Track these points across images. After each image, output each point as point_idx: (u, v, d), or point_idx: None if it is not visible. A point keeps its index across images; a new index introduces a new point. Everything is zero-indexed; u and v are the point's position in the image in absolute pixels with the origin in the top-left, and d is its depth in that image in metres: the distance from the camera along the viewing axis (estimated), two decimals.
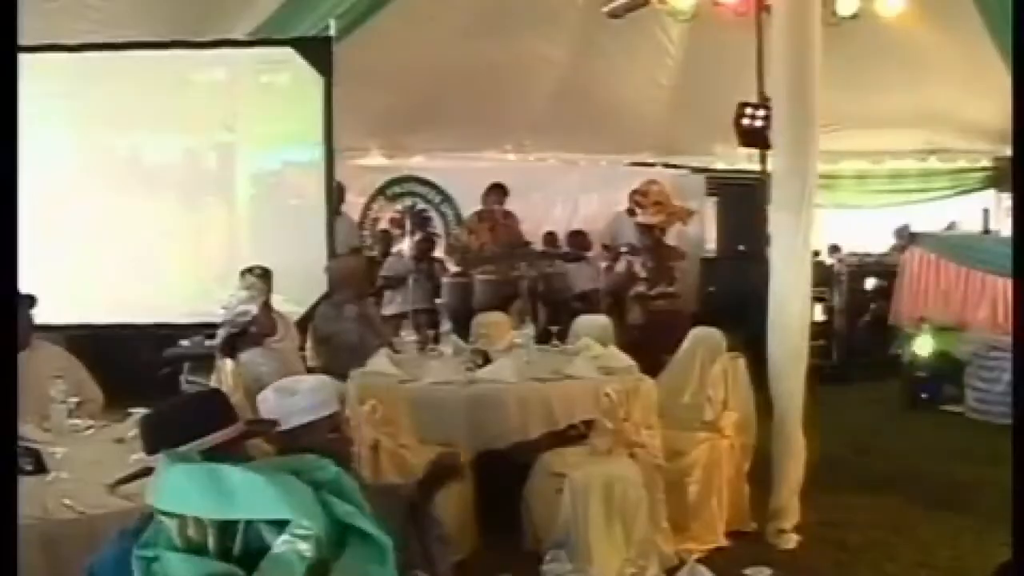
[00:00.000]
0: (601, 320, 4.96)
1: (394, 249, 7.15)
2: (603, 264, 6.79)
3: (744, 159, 8.07)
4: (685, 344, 4.08)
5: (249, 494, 1.23)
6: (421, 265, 6.49)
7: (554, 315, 5.86)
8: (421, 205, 8.45)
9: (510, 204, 6.73)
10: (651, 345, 4.52)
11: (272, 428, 1.95)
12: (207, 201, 5.95)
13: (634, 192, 6.31)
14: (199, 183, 5.92)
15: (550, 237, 7.93)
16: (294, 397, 2.04)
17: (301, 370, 3.82)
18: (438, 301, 6.36)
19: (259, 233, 5.77)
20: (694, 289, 7.77)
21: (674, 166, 8.60)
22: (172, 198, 5.80)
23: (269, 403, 2.07)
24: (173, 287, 5.65)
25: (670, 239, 6.87)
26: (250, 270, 4.36)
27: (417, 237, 7.23)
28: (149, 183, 5.74)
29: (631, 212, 6.72)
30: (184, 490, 1.25)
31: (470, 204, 7.13)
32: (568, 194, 8.50)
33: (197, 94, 5.75)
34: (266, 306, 3.73)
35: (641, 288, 6.06)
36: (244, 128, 5.83)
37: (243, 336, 3.63)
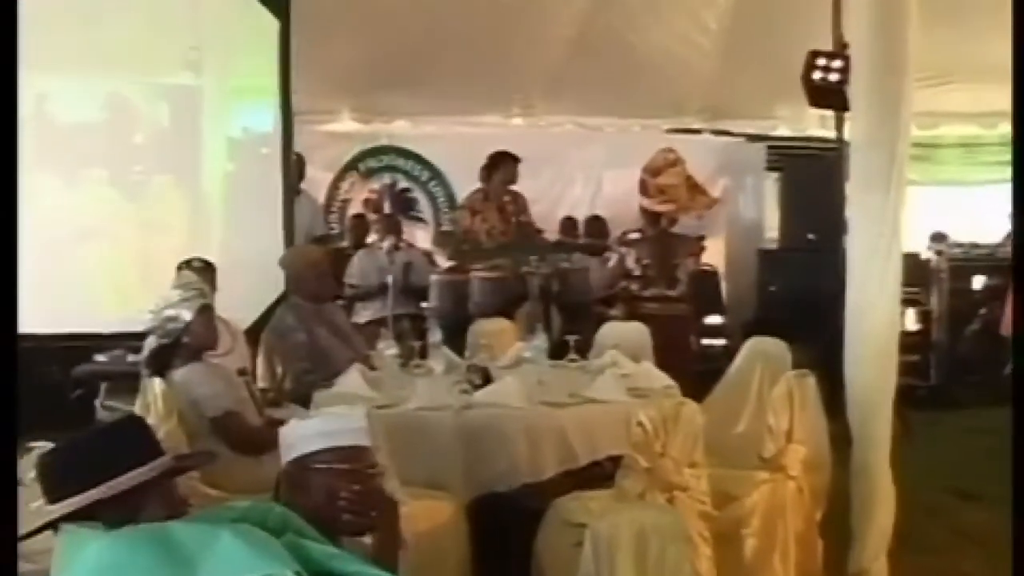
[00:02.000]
0: (633, 329, 4.98)
1: (369, 239, 7.17)
2: (603, 257, 6.81)
3: (815, 123, 8.10)
4: (739, 359, 4.08)
5: (213, 558, 1.22)
6: (403, 259, 6.48)
7: (572, 322, 5.85)
8: (403, 183, 8.50)
9: (518, 182, 6.74)
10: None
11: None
12: (156, 182, 5.91)
13: (644, 168, 6.32)
14: (143, 152, 5.87)
15: (567, 224, 7.95)
16: (315, 419, 2.08)
17: (246, 394, 3.81)
18: (425, 305, 6.38)
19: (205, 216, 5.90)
20: (749, 289, 7.79)
21: (726, 133, 8.62)
22: (99, 176, 5.78)
23: (288, 429, 2.10)
24: (92, 287, 5.65)
25: (699, 225, 6.88)
26: (188, 263, 4.38)
27: (398, 223, 7.25)
28: (64, 152, 5.68)
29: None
30: (126, 569, 1.21)
31: (466, 182, 7.17)
32: (590, 169, 8.56)
33: (137, 16, 5.49)
34: (207, 310, 3.74)
35: (632, 287, 6.06)
36: (215, 68, 5.72)
37: (177, 349, 3.63)
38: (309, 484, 1.98)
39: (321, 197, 7.98)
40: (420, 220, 8.51)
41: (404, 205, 8.42)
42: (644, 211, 6.28)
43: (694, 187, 6.50)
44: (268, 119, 5.85)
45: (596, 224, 7.86)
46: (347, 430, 2.06)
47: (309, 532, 1.26)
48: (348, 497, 1.97)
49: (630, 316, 5.56)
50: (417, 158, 8.45)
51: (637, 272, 6.13)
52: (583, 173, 8.55)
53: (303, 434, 2.05)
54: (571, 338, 4.53)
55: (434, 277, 6.38)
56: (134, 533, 1.26)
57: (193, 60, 5.59)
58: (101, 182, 5.70)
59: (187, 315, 3.59)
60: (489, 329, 5.07)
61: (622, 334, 4.93)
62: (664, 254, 6.12)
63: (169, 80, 5.76)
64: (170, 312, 3.59)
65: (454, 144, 8.22)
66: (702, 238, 7.20)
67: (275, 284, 5.19)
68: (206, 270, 4.43)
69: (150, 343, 3.78)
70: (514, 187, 6.57)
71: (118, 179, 5.79)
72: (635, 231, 6.65)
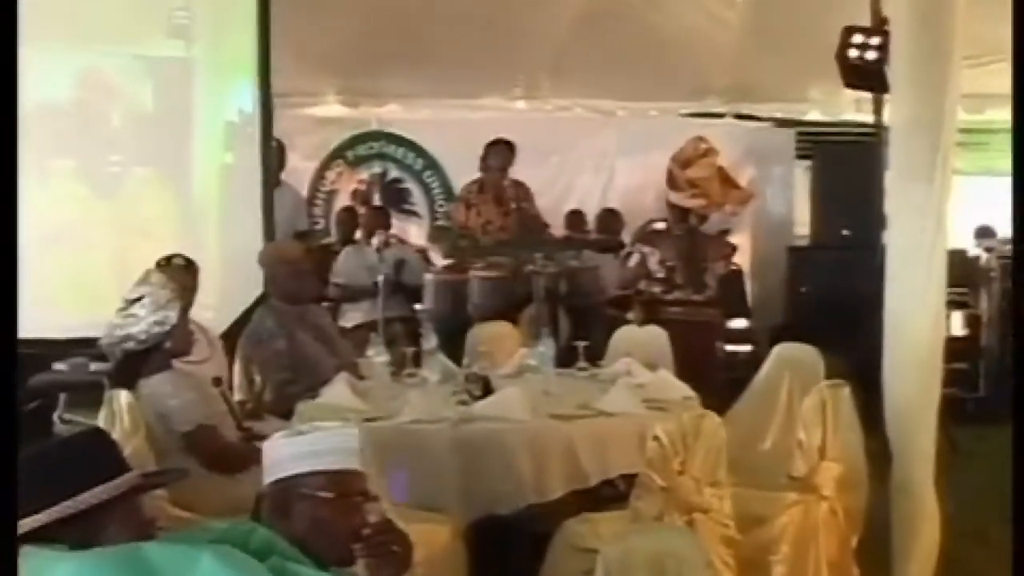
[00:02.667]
0: (649, 335, 4.99)
1: (358, 235, 7.18)
2: (621, 255, 6.82)
3: (851, 107, 8.10)
4: (766, 368, 4.09)
5: None
6: (395, 257, 6.49)
7: (582, 327, 5.87)
8: (395, 173, 8.52)
9: (521, 171, 6.75)
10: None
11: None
12: (136, 176, 5.70)
13: (673, 158, 6.30)
14: (120, 139, 5.66)
15: (575, 218, 7.96)
16: (301, 437, 2.06)
17: (222, 406, 3.82)
18: (419, 307, 6.39)
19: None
20: (777, 290, 7.78)
21: (751, 118, 8.63)
22: (67, 168, 5.56)
23: (270, 446, 2.09)
24: (55, 293, 5.55)
25: (724, 219, 6.87)
26: (168, 260, 4.39)
27: (389, 217, 7.26)
28: (24, 139, 5.58)
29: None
30: None
31: (464, 171, 7.18)
32: (601, 157, 8.58)
33: None
34: (183, 315, 3.76)
35: (655, 289, 6.05)
36: (208, 36, 5.44)
37: (146, 356, 3.64)
38: (292, 510, 1.97)
39: (304, 189, 7.99)
40: (413, 214, 8.52)
41: (396, 197, 8.43)
42: (672, 206, 6.27)
43: (727, 180, 6.47)
44: (247, 100, 5.82)
45: (609, 218, 7.86)
46: (339, 451, 2.04)
47: (295, 555, 1.26)
48: (335, 527, 1.96)
49: (647, 320, 5.56)
50: (410, 145, 8.47)
51: (660, 274, 6.10)
52: (593, 162, 8.56)
53: (289, 453, 2.03)
54: (580, 344, 4.55)
55: (429, 277, 6.40)
56: (106, 555, 1.27)
57: (181, 26, 5.34)
58: (69, 175, 5.49)
59: (158, 318, 3.59)
60: (489, 334, 5.08)
61: (638, 340, 4.96)
62: (693, 255, 6.10)
63: (153, 52, 5.55)
64: (138, 315, 3.59)
65: (451, 130, 8.24)
66: (726, 232, 7.20)
67: (253, 284, 5.19)
68: (186, 269, 4.44)
69: (116, 352, 3.76)
70: (517, 177, 6.59)
71: (90, 172, 5.62)
72: (658, 222, 6.63)
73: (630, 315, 6.09)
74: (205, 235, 5.84)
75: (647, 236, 6.58)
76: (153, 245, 5.30)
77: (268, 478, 2.03)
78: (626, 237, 7.51)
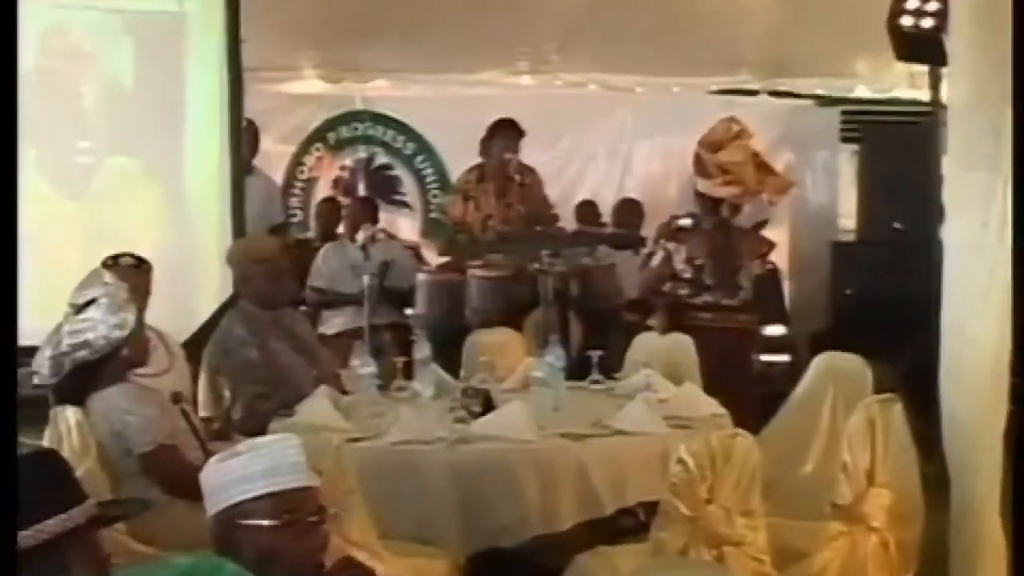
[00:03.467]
0: (673, 343, 5.01)
1: (340, 230, 7.19)
2: (644, 254, 6.82)
3: (904, 82, 8.09)
4: (806, 381, 4.10)
5: None
6: (382, 255, 6.50)
7: (596, 334, 5.88)
8: (383, 158, 8.53)
9: (527, 156, 6.75)
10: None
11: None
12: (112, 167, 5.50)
13: (701, 141, 6.28)
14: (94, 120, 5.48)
15: (589, 210, 7.98)
16: (236, 459, 2.06)
17: (184, 425, 3.83)
18: (410, 312, 6.40)
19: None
20: (819, 291, 7.78)
21: (789, 95, 8.62)
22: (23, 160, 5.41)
23: (205, 473, 2.10)
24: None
25: (755, 212, 6.85)
26: (115, 259, 4.39)
27: (376, 209, 7.26)
28: None
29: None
30: None
31: (462, 157, 7.17)
32: (618, 141, 8.60)
33: None
34: (139, 320, 3.76)
35: (681, 292, 6.04)
36: None
37: (100, 367, 3.64)
38: (239, 542, 1.98)
39: (279, 176, 8.01)
40: (404, 205, 8.53)
41: (384, 186, 8.44)
42: (700, 196, 6.22)
43: (763, 166, 6.39)
44: (213, 75, 5.78)
45: (627, 210, 7.86)
46: (280, 469, 2.05)
47: None
48: (289, 557, 1.97)
49: (671, 327, 5.56)
50: (400, 127, 8.48)
51: (687, 273, 6.07)
52: (609, 146, 8.58)
53: (225, 479, 2.04)
54: (595, 354, 4.57)
55: (421, 277, 6.41)
56: None
57: None
58: (27, 168, 5.02)
59: (117, 321, 3.60)
60: (491, 342, 5.09)
61: (660, 349, 4.98)
62: (724, 252, 6.05)
63: (135, 5, 5.32)
64: (94, 318, 3.59)
65: (447, 109, 8.24)
66: (761, 226, 7.19)
67: (221, 286, 5.20)
68: (138, 269, 4.44)
69: (64, 363, 3.75)
70: (522, 161, 6.58)
71: (55, 163, 5.36)
72: (685, 217, 6.60)
73: (651, 321, 6.08)
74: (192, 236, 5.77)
75: (671, 230, 6.56)
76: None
77: (209, 509, 2.03)
78: (647, 232, 7.49)
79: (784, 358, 7.39)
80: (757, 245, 6.38)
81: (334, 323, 6.56)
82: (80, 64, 5.33)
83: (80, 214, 5.55)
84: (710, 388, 4.46)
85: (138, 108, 5.57)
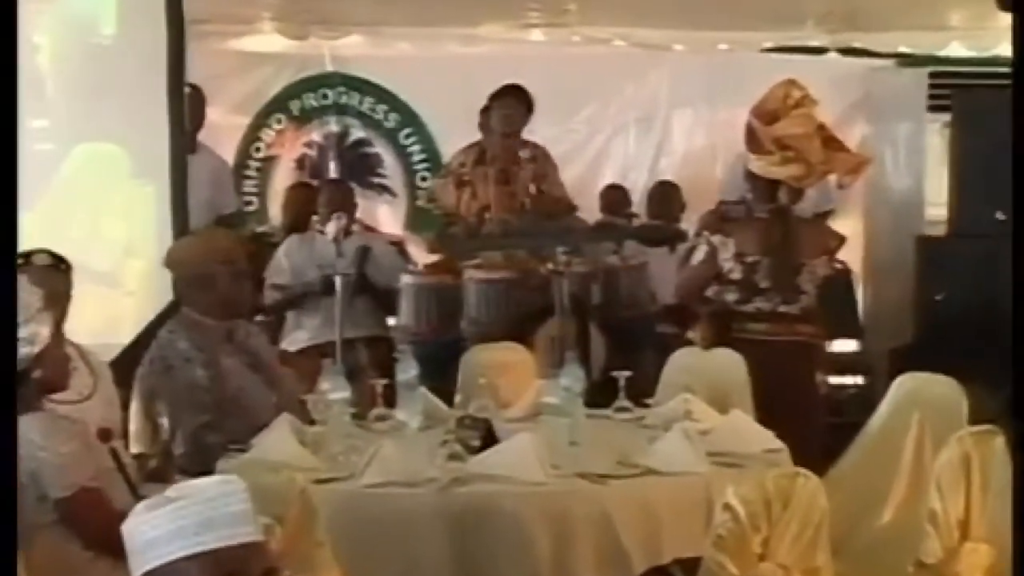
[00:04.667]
0: (720, 361, 5.04)
1: (315, 222, 7.14)
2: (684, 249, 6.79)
3: (1006, 38, 8.07)
4: (885, 408, 4.08)
5: None
6: (358, 251, 6.51)
7: (623, 349, 5.88)
8: (359, 132, 8.53)
9: (537, 131, 6.75)
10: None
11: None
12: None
13: (755, 110, 6.25)
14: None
15: (615, 196, 8.00)
16: (165, 508, 2.06)
17: (110, 463, 3.82)
18: (393, 322, 6.41)
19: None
20: (900, 298, 7.76)
21: (864, 53, 8.61)
22: None
23: (128, 526, 2.10)
24: None
25: (821, 199, 6.80)
26: (27, 258, 4.38)
27: (350, 195, 7.24)
28: None
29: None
30: None
31: (456, 131, 7.20)
32: (651, 111, 8.62)
33: None
34: (56, 332, 3.75)
35: (729, 297, 6.00)
36: None
37: None
38: None
39: (230, 155, 8.03)
40: (385, 190, 8.58)
41: (360, 167, 8.48)
42: (753, 178, 6.18)
43: (831, 141, 6.34)
44: (146, 27, 5.78)
45: (662, 196, 7.85)
46: (219, 521, 2.05)
47: None
48: None
49: (716, 341, 5.55)
50: (380, 93, 8.50)
51: (736, 274, 6.04)
52: (640, 118, 8.60)
53: (152, 534, 2.03)
54: (621, 375, 4.54)
55: (407, 279, 6.42)
56: None
57: None
58: None
59: (26, 334, 3.59)
60: (492, 360, 5.10)
61: (702, 369, 4.98)
62: (782, 248, 6.01)
63: None
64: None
65: (438, 72, 8.28)
66: (828, 215, 7.17)
67: (158, 291, 5.18)
68: (54, 271, 4.42)
69: None
70: (531, 138, 6.59)
71: None
72: (734, 204, 6.58)
73: (692, 333, 6.07)
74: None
75: (717, 220, 6.53)
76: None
77: (134, 570, 2.02)
78: (687, 224, 7.49)
79: (857, 380, 7.38)
80: (823, 239, 6.32)
81: (297, 336, 6.57)
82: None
83: (37, 219, 5.55)
84: (764, 417, 4.45)
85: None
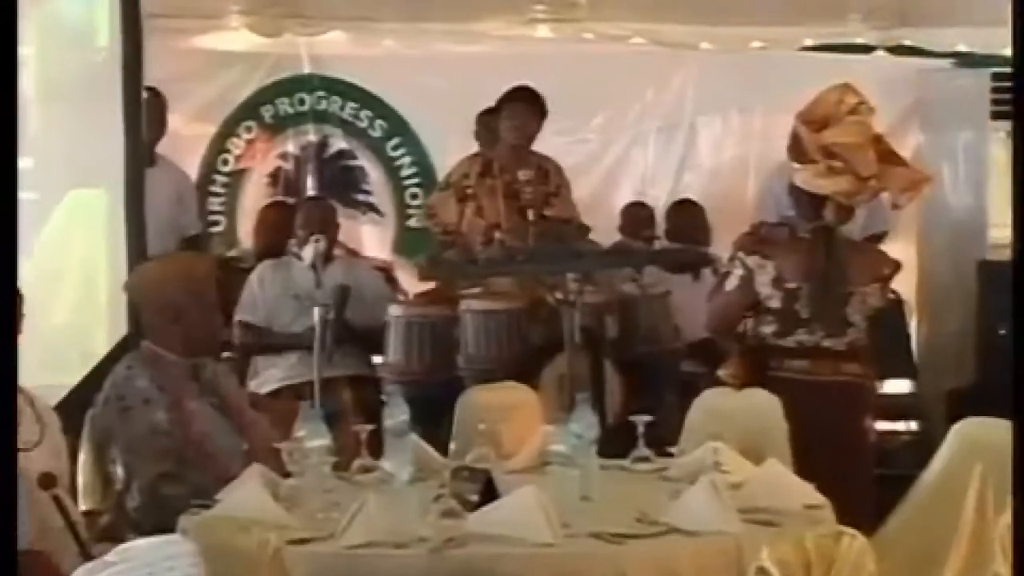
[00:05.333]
0: (753, 403, 5.03)
1: (291, 246, 7.14)
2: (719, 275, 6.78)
3: None
4: (943, 457, 4.09)
5: None
6: (339, 279, 6.51)
7: (642, 390, 5.89)
8: (341, 142, 8.54)
9: (545, 140, 6.77)
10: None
11: None
12: None
13: (802, 116, 6.22)
14: None
15: (634, 214, 8.02)
16: (104, 573, 2.10)
17: (57, 520, 3.83)
18: (380, 360, 6.43)
19: None
20: (959, 332, 7.75)
21: (918, 52, 8.61)
22: None
23: None
24: None
25: (873, 219, 6.79)
26: None
27: (331, 214, 7.24)
28: None
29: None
30: None
31: (452, 141, 7.22)
32: (674, 118, 8.64)
33: None
34: None
35: (766, 329, 5.98)
36: None
37: None
38: None
39: (194, 168, 8.07)
40: (370, 209, 8.60)
41: (342, 182, 8.51)
42: (796, 192, 6.15)
43: (888, 154, 6.30)
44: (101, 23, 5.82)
45: (687, 216, 7.87)
46: None
47: None
48: None
49: (751, 380, 5.54)
50: (366, 98, 8.52)
51: (774, 302, 6.01)
52: (663, 124, 8.62)
53: None
54: (640, 420, 4.53)
55: (396, 311, 6.42)
56: None
57: None
58: None
59: None
60: (493, 403, 5.07)
61: (733, 413, 4.96)
62: (828, 274, 5.97)
63: None
64: None
65: (432, 74, 8.31)
66: (880, 238, 7.16)
67: (112, 324, 5.18)
68: None
69: None
70: (539, 150, 6.60)
71: None
72: (773, 226, 6.55)
73: (722, 371, 6.05)
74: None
75: (754, 242, 6.49)
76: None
77: None
78: (717, 248, 7.48)
79: (910, 425, 7.37)
80: (874, 265, 6.28)
81: (271, 376, 6.59)
82: None
83: None
84: (804, 468, 4.44)
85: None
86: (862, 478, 5.51)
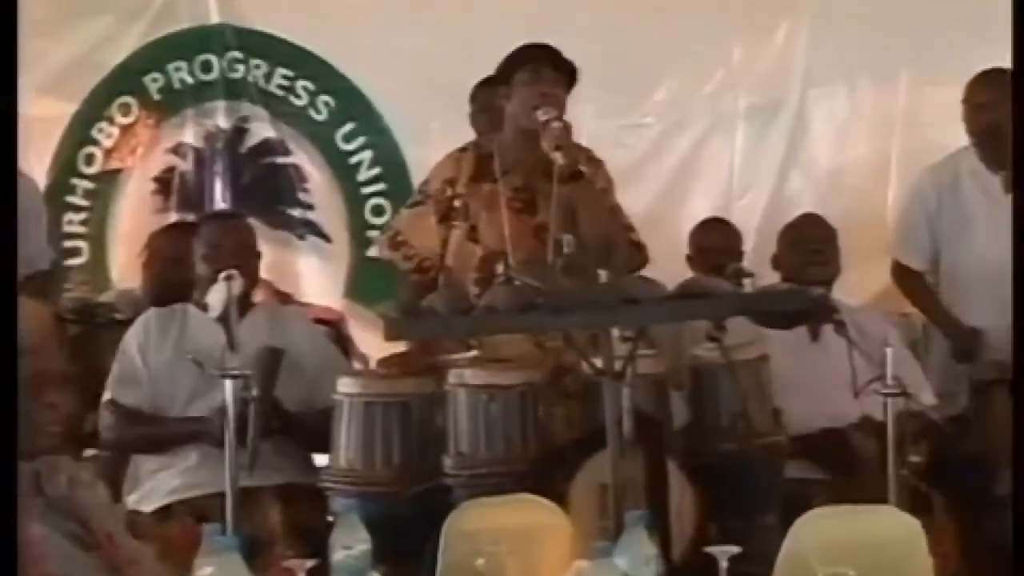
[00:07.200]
0: (886, 524, 5.04)
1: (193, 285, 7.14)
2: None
3: None
4: None
5: None
6: (262, 337, 6.56)
7: (725, 504, 5.95)
8: (266, 129, 8.65)
9: (580, 125, 6.75)
10: None
11: None
12: None
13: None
14: None
15: (716, 237, 8.07)
16: None
17: None
18: (325, 463, 6.49)
19: None
20: None
21: None
22: None
23: None
24: None
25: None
26: None
27: (249, 239, 7.22)
28: None
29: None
30: None
31: (434, 129, 7.29)
32: (775, 90, 8.75)
33: None
34: None
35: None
36: None
37: None
38: None
39: (41, 170, 8.22)
40: (311, 230, 8.69)
41: (268, 189, 8.59)
42: None
43: None
44: None
45: (803, 237, 7.81)
46: None
47: None
48: None
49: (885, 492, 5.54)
50: (304, 62, 8.60)
51: None
52: (758, 104, 8.71)
53: None
54: (723, 552, 4.56)
55: (348, 386, 6.39)
56: None
57: None
58: None
59: None
60: (498, 526, 5.08)
61: (862, 538, 4.89)
62: None
63: None
64: None
65: (402, 28, 8.34)
66: None
67: None
68: None
69: None
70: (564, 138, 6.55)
71: None
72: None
73: (841, 475, 6.10)
74: None
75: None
76: None
77: None
78: (843, 288, 7.49)
79: None
80: None
81: (159, 485, 6.63)
82: None
83: None
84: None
85: None
86: None
